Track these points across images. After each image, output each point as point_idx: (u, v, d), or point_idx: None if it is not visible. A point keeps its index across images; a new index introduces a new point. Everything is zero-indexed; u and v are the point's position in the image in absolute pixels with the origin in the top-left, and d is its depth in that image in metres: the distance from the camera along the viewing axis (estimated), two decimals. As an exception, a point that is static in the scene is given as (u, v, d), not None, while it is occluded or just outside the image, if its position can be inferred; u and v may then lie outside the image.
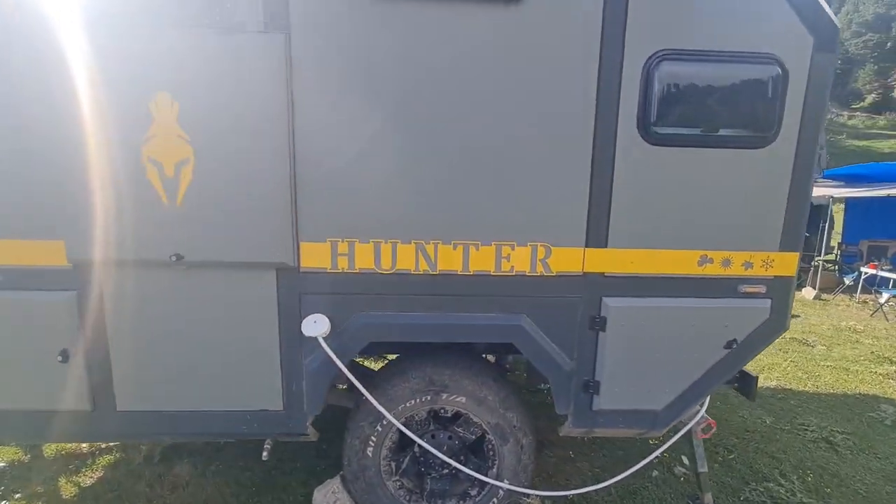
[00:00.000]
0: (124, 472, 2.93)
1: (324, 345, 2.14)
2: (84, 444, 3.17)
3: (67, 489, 2.78)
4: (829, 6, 2.07)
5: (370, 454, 2.36)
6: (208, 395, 2.25)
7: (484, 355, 2.95)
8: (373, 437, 2.34)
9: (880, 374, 5.23)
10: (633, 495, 2.86)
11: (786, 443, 3.60)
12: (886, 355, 5.84)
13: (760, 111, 2.10)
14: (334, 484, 2.49)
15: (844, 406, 4.37)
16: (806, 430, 3.82)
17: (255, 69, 1.94)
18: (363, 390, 2.20)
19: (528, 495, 2.49)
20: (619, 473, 2.48)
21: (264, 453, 2.41)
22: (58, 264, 2.10)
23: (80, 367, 2.17)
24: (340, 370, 2.18)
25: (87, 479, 2.87)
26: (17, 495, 2.70)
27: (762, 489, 2.93)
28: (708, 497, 2.70)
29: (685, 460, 3.22)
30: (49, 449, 3.17)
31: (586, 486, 2.55)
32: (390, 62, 2.00)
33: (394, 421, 2.27)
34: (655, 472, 3.10)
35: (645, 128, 2.09)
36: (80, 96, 1.92)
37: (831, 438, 3.69)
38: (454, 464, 2.30)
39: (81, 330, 2.15)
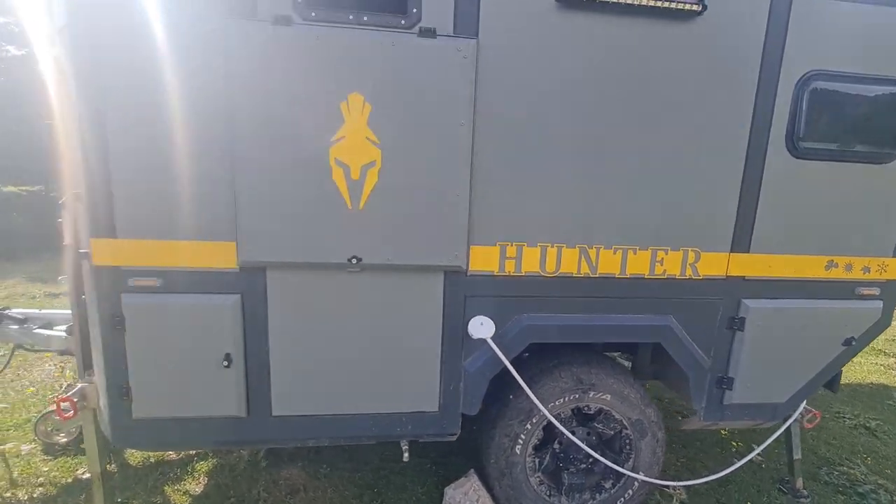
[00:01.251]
0: (230, 477, 2.84)
1: (493, 346, 2.18)
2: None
3: (179, 498, 2.68)
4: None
5: (518, 451, 2.42)
6: (367, 398, 2.24)
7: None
8: (522, 436, 2.41)
9: (882, 366, 5.74)
10: (728, 483, 3.06)
11: (832, 430, 3.92)
12: (880, 348, 6.41)
13: (890, 130, 2.30)
14: (472, 482, 2.54)
15: (863, 395, 4.78)
16: (843, 417, 4.17)
17: (444, 73, 1.94)
18: (529, 391, 2.25)
19: (668, 487, 2.63)
20: (703, 464, 2.64)
21: (405, 454, 2.43)
22: (225, 267, 2.03)
23: (240, 372, 2.11)
24: (501, 370, 2.23)
25: (194, 486, 2.78)
26: (128, 506, 2.59)
27: (837, 472, 3.21)
28: (799, 481, 2.93)
29: (755, 448, 3.46)
30: (133, 456, 3.03)
31: (683, 477, 2.71)
32: (572, 71, 2.06)
33: (553, 420, 2.34)
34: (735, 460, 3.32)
35: (792, 142, 2.24)
36: (269, 96, 1.87)
37: (867, 425, 4.05)
38: (602, 459, 2.40)
39: (244, 334, 2.09)
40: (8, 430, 3.36)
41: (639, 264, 2.28)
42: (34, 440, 3.14)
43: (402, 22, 1.92)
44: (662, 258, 2.29)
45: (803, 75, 2.19)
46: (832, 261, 2.41)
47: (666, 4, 2.00)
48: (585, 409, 2.45)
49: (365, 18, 1.90)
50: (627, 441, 2.50)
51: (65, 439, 3.14)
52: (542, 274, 2.23)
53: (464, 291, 2.19)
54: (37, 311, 3.31)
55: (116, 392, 2.08)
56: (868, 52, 2.22)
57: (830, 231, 2.38)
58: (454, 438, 2.39)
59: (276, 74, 1.86)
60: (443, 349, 2.24)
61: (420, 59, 1.92)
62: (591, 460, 2.50)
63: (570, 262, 2.23)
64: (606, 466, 2.46)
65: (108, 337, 2.03)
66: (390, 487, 2.84)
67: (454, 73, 1.94)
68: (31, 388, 3.97)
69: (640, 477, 2.49)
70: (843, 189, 2.34)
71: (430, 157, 1.99)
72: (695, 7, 2.03)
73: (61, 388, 3.84)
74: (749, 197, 2.28)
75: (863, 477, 3.15)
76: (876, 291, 2.49)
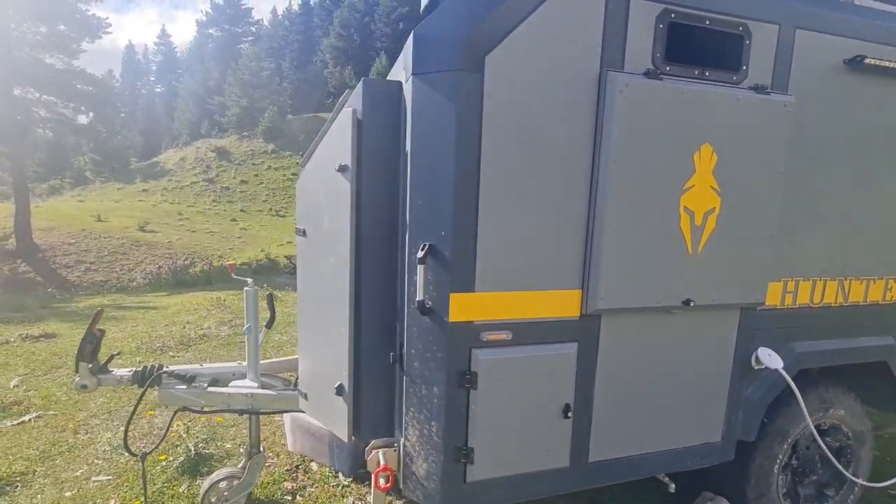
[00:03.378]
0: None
1: (786, 377, 2.34)
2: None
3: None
4: None
5: (775, 471, 2.59)
6: (668, 435, 2.30)
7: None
8: (779, 456, 2.58)
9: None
10: None
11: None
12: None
13: None
14: (722, 502, 2.66)
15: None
16: None
17: (772, 126, 2.10)
18: (806, 414, 2.43)
19: (885, 488, 2.92)
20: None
21: (671, 486, 2.50)
22: (567, 315, 2.01)
23: (574, 422, 2.08)
24: (789, 398, 2.40)
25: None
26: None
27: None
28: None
29: None
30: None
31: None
32: (852, 124, 2.31)
33: (816, 435, 2.52)
34: None
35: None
36: (637, 146, 1.91)
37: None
38: (843, 470, 2.64)
39: (580, 383, 2.07)
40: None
41: (876, 292, 2.57)
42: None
43: (734, 78, 2.06)
44: (892, 286, 2.60)
45: None
46: None
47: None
48: (822, 424, 2.69)
49: (707, 74, 2.02)
50: (850, 451, 2.77)
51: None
52: (811, 305, 2.44)
53: (754, 325, 2.34)
54: (196, 366, 2.95)
55: (453, 455, 1.96)
56: None
57: None
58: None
59: (645, 125, 1.91)
60: (731, 381, 2.36)
61: (755, 113, 2.06)
62: (820, 472, 2.73)
63: (830, 293, 2.47)
64: (831, 475, 2.71)
65: (454, 396, 1.92)
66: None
67: (780, 126, 2.11)
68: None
69: (859, 481, 2.77)
70: None
71: (756, 203, 2.14)
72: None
73: (189, 450, 3.40)
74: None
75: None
76: None
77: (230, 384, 2.87)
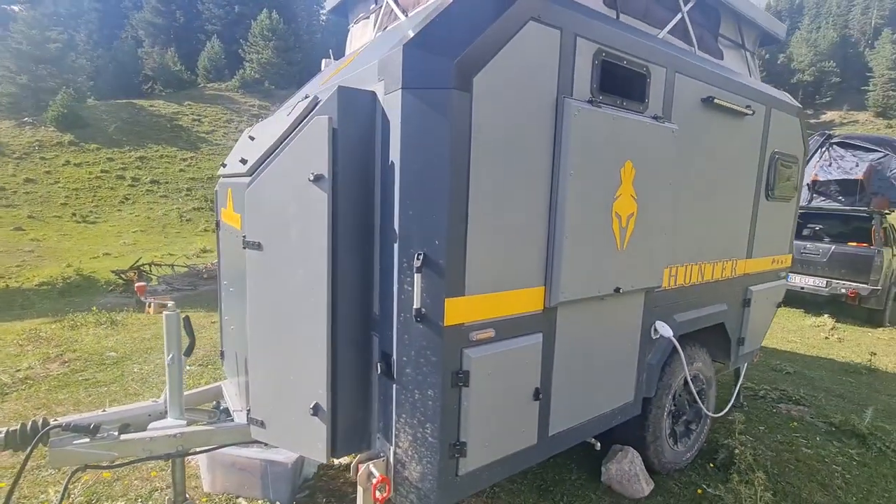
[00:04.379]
0: None
1: (675, 342, 2.98)
2: None
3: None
4: None
5: (664, 417, 3.27)
6: (601, 401, 2.74)
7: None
8: (666, 405, 3.26)
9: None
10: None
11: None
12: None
13: None
14: (629, 454, 3.24)
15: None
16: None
17: (666, 146, 2.67)
18: (686, 369, 3.12)
19: (720, 417, 3.84)
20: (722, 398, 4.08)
21: (597, 445, 2.99)
22: (533, 310, 2.28)
23: (543, 404, 2.35)
24: (672, 358, 3.06)
25: None
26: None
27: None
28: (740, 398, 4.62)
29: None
30: None
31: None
32: (713, 151, 3.05)
33: (692, 387, 3.25)
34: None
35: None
36: (586, 161, 2.26)
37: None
38: (704, 408, 3.46)
39: (544, 368, 2.35)
40: None
41: (718, 271, 3.44)
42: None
43: (641, 108, 2.57)
44: (725, 266, 3.51)
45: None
46: None
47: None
48: (689, 375, 3.48)
49: (624, 104, 2.48)
50: (704, 393, 3.64)
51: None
52: (683, 284, 3.15)
53: (652, 304, 2.93)
54: (89, 413, 2.46)
55: (448, 452, 2.06)
56: None
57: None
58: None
59: (590, 144, 2.27)
60: (639, 350, 2.92)
61: (654, 136, 2.60)
62: (687, 413, 3.54)
63: (694, 275, 3.22)
64: (694, 413, 3.55)
65: (448, 396, 2.02)
66: (554, 479, 3.28)
67: (670, 148, 2.69)
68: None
69: (711, 414, 3.66)
70: None
71: (657, 207, 2.69)
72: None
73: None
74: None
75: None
76: None
77: (148, 427, 2.46)
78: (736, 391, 4.08)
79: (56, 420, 2.28)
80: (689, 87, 2.85)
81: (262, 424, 2.31)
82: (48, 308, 9.58)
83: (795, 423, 4.28)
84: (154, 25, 42.23)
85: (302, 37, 43.13)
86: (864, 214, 8.72)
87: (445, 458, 2.06)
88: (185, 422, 2.49)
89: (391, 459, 2.12)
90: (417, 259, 1.89)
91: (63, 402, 4.66)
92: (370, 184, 2.10)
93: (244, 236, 2.23)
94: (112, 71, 34.44)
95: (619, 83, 2.46)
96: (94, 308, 8.33)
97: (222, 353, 3.19)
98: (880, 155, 8.62)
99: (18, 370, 5.49)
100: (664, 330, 2.97)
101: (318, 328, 2.06)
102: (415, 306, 1.91)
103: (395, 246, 1.98)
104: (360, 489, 2.12)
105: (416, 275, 1.89)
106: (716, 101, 2.98)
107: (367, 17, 3.57)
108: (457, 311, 1.99)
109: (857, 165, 8.66)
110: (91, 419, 2.36)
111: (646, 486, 3.18)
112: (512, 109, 2.04)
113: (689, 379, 3.25)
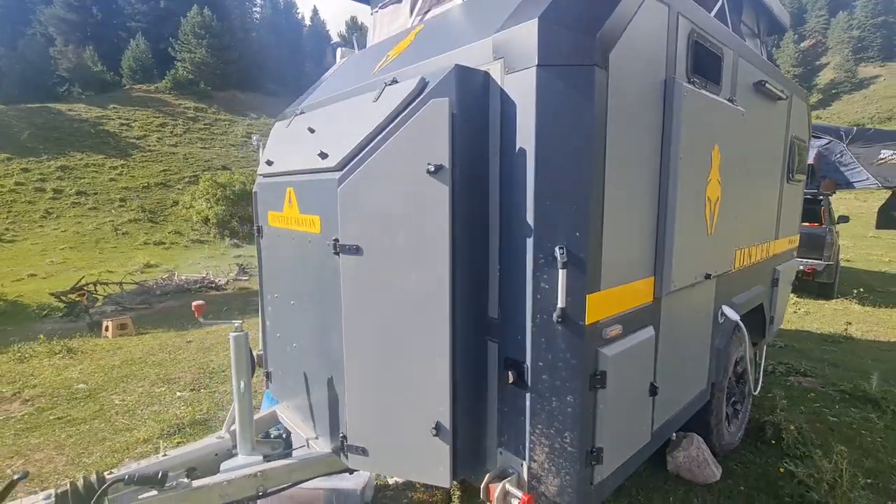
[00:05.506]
0: None
1: (741, 325, 2.99)
2: None
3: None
4: None
5: (724, 399, 3.29)
6: (687, 390, 2.70)
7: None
8: (726, 387, 3.29)
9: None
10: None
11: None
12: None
13: None
14: (695, 441, 3.24)
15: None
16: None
17: (736, 129, 2.66)
18: (748, 351, 3.14)
19: (754, 393, 3.94)
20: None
21: (674, 436, 2.95)
22: (646, 302, 2.17)
23: (653, 399, 2.26)
24: (730, 341, 3.08)
25: None
26: None
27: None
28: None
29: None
30: None
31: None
32: (764, 133, 3.10)
33: (749, 367, 3.28)
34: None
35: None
36: (680, 153, 2.19)
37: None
38: (750, 388, 3.53)
39: (656, 363, 2.26)
40: None
41: (758, 254, 3.52)
42: None
43: (717, 89, 2.54)
44: (764, 249, 3.60)
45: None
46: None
47: (778, 93, 3.29)
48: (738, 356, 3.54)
49: (707, 86, 2.44)
50: (746, 374, 3.73)
51: None
52: (739, 268, 3.18)
53: (720, 289, 2.93)
54: (146, 462, 2.09)
55: (585, 461, 1.91)
56: None
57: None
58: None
59: (692, 127, 2.19)
60: (711, 336, 2.91)
61: (730, 118, 2.58)
62: (736, 393, 3.60)
63: (746, 258, 3.27)
64: (740, 393, 3.62)
65: (586, 401, 1.87)
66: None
67: (742, 128, 2.69)
68: None
69: (755, 393, 3.75)
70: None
71: (737, 190, 2.68)
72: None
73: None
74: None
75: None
76: None
77: (221, 467, 2.11)
78: (761, 369, 4.22)
79: (112, 473, 1.89)
80: (747, 71, 2.87)
81: (362, 452, 2.04)
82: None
83: (812, 394, 4.51)
84: (67, 22, 38.35)
85: (237, 34, 40.90)
86: (814, 197, 9.48)
87: (583, 467, 1.91)
88: (260, 457, 2.16)
89: (524, 475, 1.93)
90: (561, 254, 1.72)
91: (41, 448, 4.02)
92: (485, 174, 1.90)
93: (335, 240, 1.95)
94: (19, 72, 30.88)
95: (702, 64, 2.41)
96: (42, 336, 7.35)
97: (269, 375, 2.83)
98: (826, 141, 9.40)
99: (-32, 415, 4.69)
100: (731, 313, 2.98)
101: (438, 339, 1.84)
102: (559, 305, 1.73)
103: (529, 241, 1.79)
104: (492, 511, 1.92)
105: (560, 271, 1.72)
106: (767, 85, 3.02)
107: (398, 3, 3.32)
108: (596, 307, 1.84)
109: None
110: (153, 467, 1.98)
111: (716, 469, 3.18)
112: (633, 90, 1.92)
113: (748, 360, 3.30)
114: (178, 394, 5.11)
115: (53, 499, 1.77)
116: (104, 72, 34.35)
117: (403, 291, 1.88)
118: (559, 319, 1.76)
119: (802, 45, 62.01)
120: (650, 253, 2.17)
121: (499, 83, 1.83)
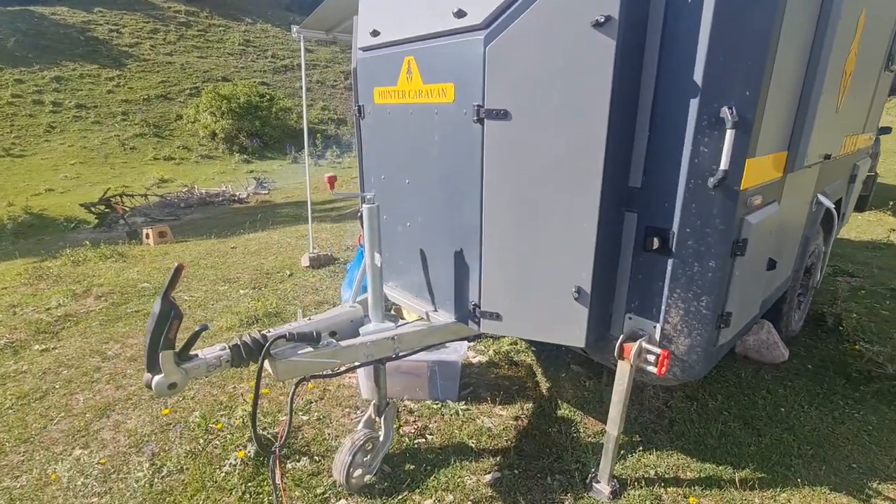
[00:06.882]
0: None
1: (835, 212, 3.00)
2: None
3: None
4: None
5: (797, 289, 3.40)
6: (781, 274, 2.76)
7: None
8: (799, 278, 3.38)
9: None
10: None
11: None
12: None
13: None
14: (766, 326, 3.39)
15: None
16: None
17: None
18: (831, 241, 3.18)
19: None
20: None
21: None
22: (776, 177, 2.15)
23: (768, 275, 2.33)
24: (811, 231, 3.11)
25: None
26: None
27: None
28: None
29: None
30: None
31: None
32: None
33: (824, 259, 3.34)
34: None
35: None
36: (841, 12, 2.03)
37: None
38: (817, 279, 3.62)
39: (777, 239, 2.29)
40: None
41: (849, 145, 3.43)
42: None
43: None
44: (856, 140, 3.50)
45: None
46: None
47: None
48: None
49: None
50: (815, 265, 3.81)
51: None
52: (836, 156, 3.11)
53: (822, 175, 2.88)
54: (296, 323, 2.20)
55: (715, 322, 2.00)
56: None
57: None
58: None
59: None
60: (805, 223, 2.92)
61: None
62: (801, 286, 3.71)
63: (847, 146, 3.19)
64: (803, 286, 3.73)
65: (726, 266, 1.91)
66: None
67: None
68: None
69: (817, 285, 3.87)
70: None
71: (863, 67, 2.53)
72: None
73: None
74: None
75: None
76: None
77: (361, 331, 2.24)
78: (825, 264, 4.31)
79: (272, 331, 2.01)
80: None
81: (496, 317, 2.15)
82: (14, 249, 8.56)
83: (863, 291, 4.65)
84: None
85: (223, -76, 36.63)
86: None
87: (713, 329, 2.01)
88: (394, 324, 2.28)
89: (656, 336, 2.04)
90: (731, 113, 1.67)
91: (130, 335, 4.26)
92: (644, 27, 1.78)
93: (477, 107, 1.89)
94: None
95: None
96: (87, 243, 7.49)
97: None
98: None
99: (49, 308, 4.92)
100: (825, 201, 2.97)
101: (587, 202, 1.84)
102: (721, 167, 1.71)
103: (694, 101, 1.72)
104: (623, 366, 2.06)
105: (728, 132, 1.67)
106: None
107: None
108: (750, 174, 1.82)
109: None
110: (305, 327, 2.10)
111: (784, 351, 3.37)
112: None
113: (827, 252, 3.35)
114: (242, 291, 5.30)
115: (228, 350, 1.90)
116: (84, -31, 31.32)
117: (553, 156, 1.85)
118: (716, 184, 1.75)
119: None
120: (789, 124, 2.10)
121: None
